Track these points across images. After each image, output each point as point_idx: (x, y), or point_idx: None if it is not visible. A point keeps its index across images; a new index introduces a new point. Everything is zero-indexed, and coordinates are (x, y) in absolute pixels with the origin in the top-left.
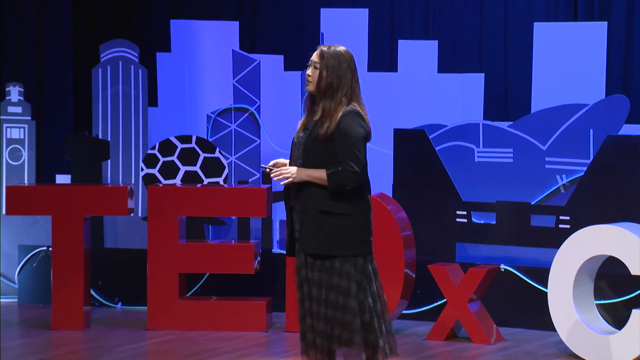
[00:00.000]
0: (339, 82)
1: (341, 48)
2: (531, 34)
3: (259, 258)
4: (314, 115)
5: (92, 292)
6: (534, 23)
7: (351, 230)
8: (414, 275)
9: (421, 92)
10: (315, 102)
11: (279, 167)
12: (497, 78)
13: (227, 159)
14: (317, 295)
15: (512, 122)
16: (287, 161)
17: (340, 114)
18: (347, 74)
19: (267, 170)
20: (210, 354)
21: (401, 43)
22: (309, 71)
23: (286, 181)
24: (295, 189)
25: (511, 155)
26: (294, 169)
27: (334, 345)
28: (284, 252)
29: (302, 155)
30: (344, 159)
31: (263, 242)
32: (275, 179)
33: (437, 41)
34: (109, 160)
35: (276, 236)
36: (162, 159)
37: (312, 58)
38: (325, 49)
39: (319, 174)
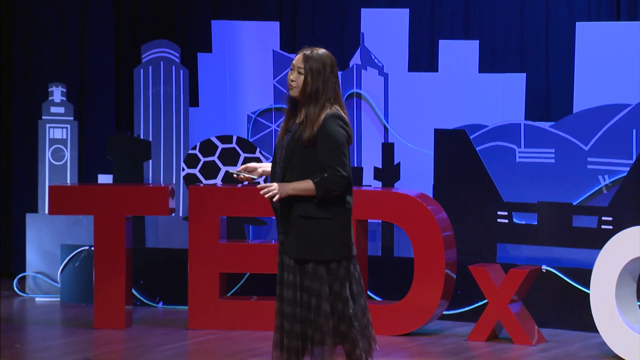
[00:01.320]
0: (324, 86)
1: (323, 51)
2: (573, 33)
3: None
4: (297, 118)
5: (133, 291)
6: (576, 23)
7: (330, 235)
8: (454, 276)
9: (462, 92)
10: (296, 105)
11: (248, 171)
12: (538, 78)
13: (267, 159)
14: (292, 297)
15: (553, 122)
16: (257, 165)
17: (322, 117)
18: (331, 77)
19: (235, 175)
20: (251, 353)
21: (442, 43)
22: (292, 76)
23: (276, 198)
24: None
25: (553, 155)
26: (275, 185)
27: (307, 344)
28: None
29: (285, 159)
30: (330, 163)
31: None
32: (263, 194)
33: (477, 41)
34: (150, 160)
35: None
36: (202, 159)
37: (294, 62)
38: (308, 52)
39: (304, 185)
